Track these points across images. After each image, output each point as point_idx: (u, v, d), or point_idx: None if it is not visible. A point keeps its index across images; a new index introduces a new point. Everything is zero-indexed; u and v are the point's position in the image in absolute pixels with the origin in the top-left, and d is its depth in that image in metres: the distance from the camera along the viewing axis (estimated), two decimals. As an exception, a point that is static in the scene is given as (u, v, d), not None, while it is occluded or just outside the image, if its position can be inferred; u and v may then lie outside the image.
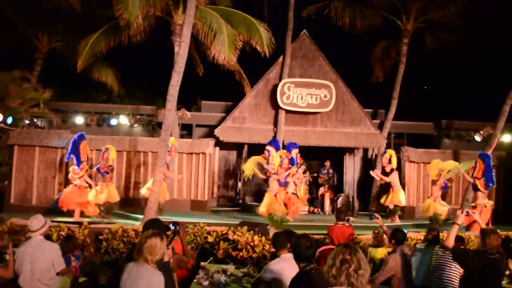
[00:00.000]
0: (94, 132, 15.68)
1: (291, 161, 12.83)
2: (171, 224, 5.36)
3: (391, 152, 13.98)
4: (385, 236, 7.49)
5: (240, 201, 16.58)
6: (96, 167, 12.51)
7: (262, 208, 11.90)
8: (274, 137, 15.79)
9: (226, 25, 13.61)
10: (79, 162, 11.80)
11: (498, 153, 15.86)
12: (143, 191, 12.78)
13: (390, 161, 13.74)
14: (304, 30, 17.00)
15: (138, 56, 18.09)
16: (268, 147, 12.79)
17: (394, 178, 13.60)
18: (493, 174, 12.11)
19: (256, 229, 9.58)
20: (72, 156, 11.83)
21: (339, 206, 14.72)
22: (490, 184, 12.06)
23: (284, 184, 12.32)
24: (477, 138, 15.94)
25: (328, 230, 8.18)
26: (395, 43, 17.62)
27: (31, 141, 14.22)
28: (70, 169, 11.98)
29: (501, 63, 18.27)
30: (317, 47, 16.94)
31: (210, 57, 14.12)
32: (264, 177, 12.86)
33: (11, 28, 16.32)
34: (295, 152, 13.40)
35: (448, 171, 12.75)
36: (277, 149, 12.72)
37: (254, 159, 12.70)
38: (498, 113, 14.86)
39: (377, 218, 8.29)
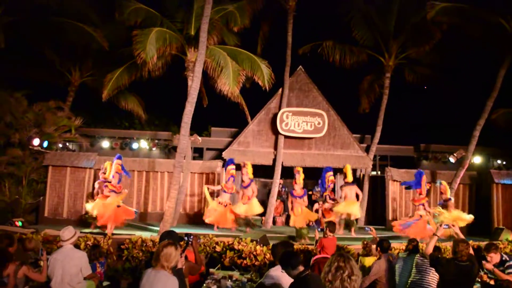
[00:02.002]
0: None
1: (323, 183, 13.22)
2: (185, 235, 5.38)
3: (347, 166, 13.43)
4: (373, 246, 7.46)
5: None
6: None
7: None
8: (274, 159, 15.83)
9: (232, 61, 13.76)
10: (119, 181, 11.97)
11: (470, 173, 15.88)
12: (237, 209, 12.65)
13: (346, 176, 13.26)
14: (300, 66, 17.15)
15: (157, 88, 18.26)
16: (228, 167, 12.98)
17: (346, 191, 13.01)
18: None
19: (258, 240, 9.56)
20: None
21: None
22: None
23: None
24: (452, 159, 15.96)
25: (323, 241, 7.91)
26: (379, 77, 17.75)
27: (63, 162, 14.30)
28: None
29: (471, 93, 18.42)
30: (312, 80, 17.06)
31: (217, 89, 14.26)
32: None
33: (49, 65, 16.61)
34: (328, 175, 13.35)
35: None
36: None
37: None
38: (470, 138, 14.92)
39: (371, 230, 8.24)
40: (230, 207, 12.60)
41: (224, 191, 12.73)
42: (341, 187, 13.57)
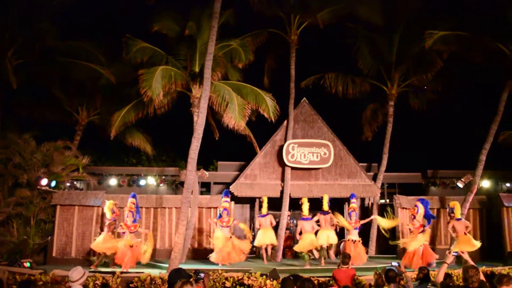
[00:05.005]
0: (125, 192, 15.80)
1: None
2: (194, 272, 5.36)
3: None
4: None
5: (254, 248, 16.33)
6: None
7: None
8: (282, 191, 15.80)
9: (237, 96, 13.93)
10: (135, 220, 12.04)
11: (479, 197, 15.75)
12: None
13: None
14: (304, 98, 17.31)
15: (163, 124, 18.46)
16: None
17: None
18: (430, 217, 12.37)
19: (268, 274, 9.45)
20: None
21: (342, 251, 14.43)
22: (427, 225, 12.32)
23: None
24: (460, 185, 15.85)
25: (334, 273, 7.93)
26: (382, 105, 17.86)
27: (71, 201, 14.36)
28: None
29: (476, 117, 18.46)
30: (316, 111, 17.21)
31: (224, 123, 14.40)
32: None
33: (57, 105, 16.92)
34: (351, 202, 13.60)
35: None
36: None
37: None
38: (476, 162, 14.86)
39: (399, 266, 7.97)
40: (233, 240, 12.60)
41: (221, 226, 12.74)
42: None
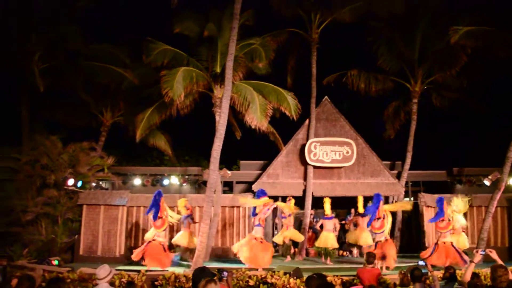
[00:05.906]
0: (149, 191, 15.95)
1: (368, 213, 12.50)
2: (217, 271, 5.39)
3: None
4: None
5: (277, 247, 16.32)
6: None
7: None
8: (304, 190, 15.75)
9: (258, 95, 13.92)
10: (156, 216, 12.06)
11: (507, 195, 15.38)
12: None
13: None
14: (326, 97, 17.20)
15: (186, 124, 18.59)
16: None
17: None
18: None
19: (291, 272, 9.43)
20: (152, 210, 12.09)
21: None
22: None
23: None
24: (487, 182, 15.49)
25: (358, 272, 7.94)
26: (405, 103, 17.63)
27: (97, 200, 14.63)
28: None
29: (502, 113, 18.04)
30: (338, 110, 17.08)
31: (246, 122, 14.42)
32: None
33: (82, 107, 17.23)
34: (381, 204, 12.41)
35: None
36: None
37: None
38: (504, 159, 14.50)
39: (427, 265, 7.81)
40: (264, 244, 11.79)
41: (259, 225, 11.95)
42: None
